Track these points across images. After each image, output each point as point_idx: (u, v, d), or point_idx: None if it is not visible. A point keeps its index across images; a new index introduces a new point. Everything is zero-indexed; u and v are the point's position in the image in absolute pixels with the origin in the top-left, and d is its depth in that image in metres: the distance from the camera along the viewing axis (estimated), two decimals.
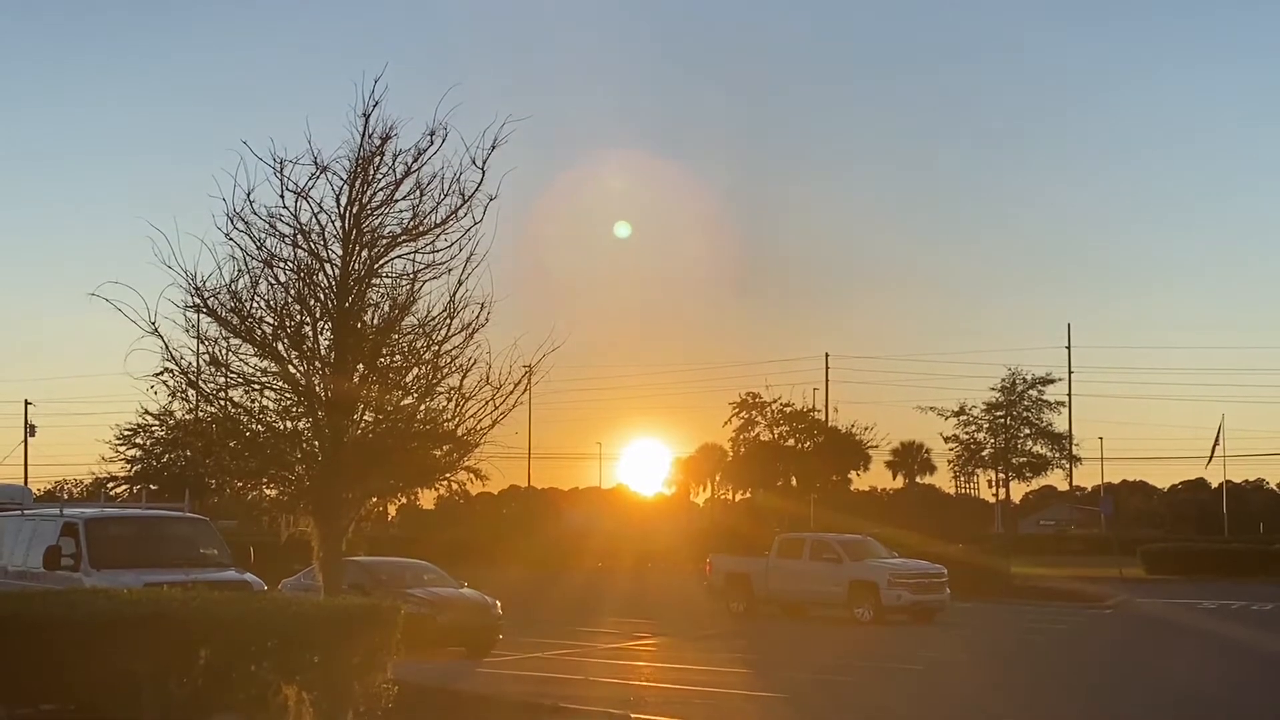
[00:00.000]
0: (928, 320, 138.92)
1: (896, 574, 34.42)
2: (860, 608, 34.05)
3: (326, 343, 15.84)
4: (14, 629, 12.67)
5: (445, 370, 16.06)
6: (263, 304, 15.72)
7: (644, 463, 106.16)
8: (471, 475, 17.16)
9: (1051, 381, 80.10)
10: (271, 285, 15.73)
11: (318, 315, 15.81)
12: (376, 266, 15.87)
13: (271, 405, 16.11)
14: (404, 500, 23.10)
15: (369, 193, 15.73)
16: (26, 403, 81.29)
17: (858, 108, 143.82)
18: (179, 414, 17.15)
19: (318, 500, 16.07)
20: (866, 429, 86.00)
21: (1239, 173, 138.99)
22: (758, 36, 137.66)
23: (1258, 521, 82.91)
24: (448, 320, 15.94)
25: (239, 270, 15.64)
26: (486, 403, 16.05)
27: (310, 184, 15.60)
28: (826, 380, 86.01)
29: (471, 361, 16.04)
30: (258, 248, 15.63)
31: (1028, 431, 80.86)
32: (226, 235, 15.57)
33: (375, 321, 16.01)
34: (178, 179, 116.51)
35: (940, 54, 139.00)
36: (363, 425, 16.19)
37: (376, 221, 15.80)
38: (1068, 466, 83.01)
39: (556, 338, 16.13)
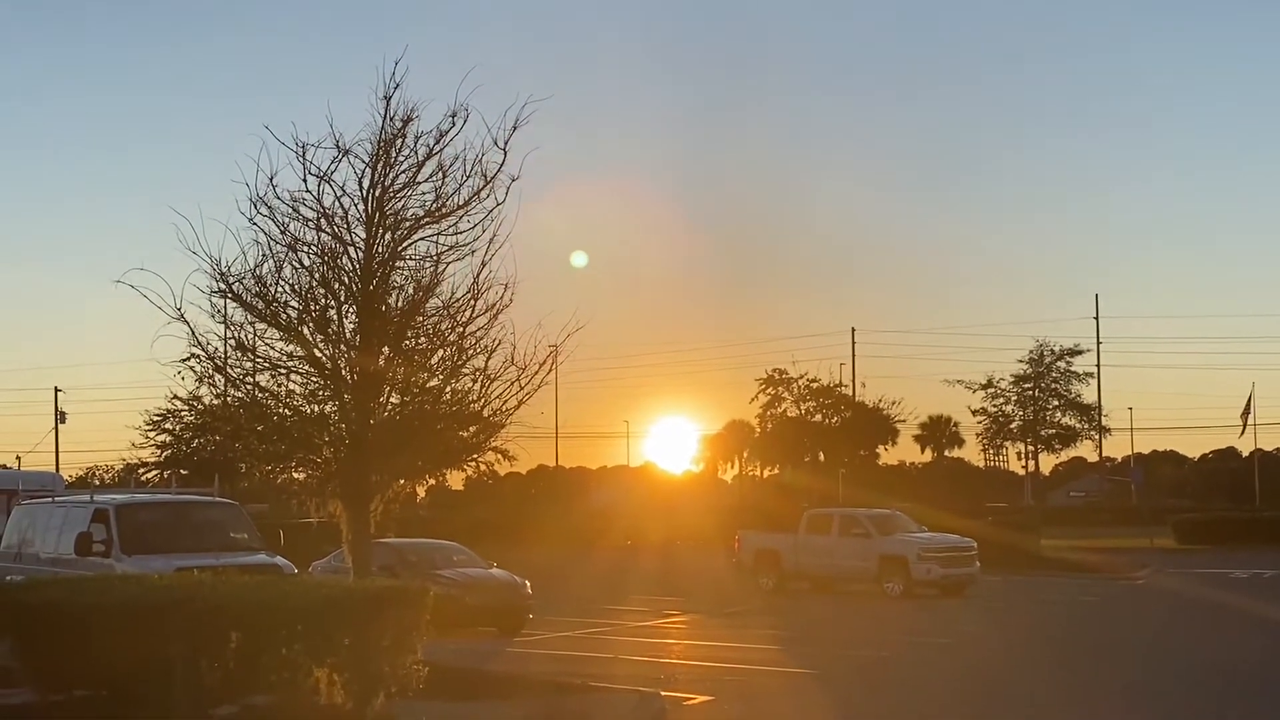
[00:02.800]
0: (954, 293, 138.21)
1: (926, 548, 34.36)
2: (890, 582, 34.00)
3: (351, 326, 15.85)
4: (47, 615, 12.77)
5: (470, 351, 16.03)
6: (287, 288, 15.72)
7: (671, 440, 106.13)
8: (499, 455, 17.18)
9: (1080, 353, 79.97)
10: (296, 269, 15.73)
11: (342, 298, 15.80)
12: (400, 249, 15.85)
13: (298, 389, 16.12)
14: (432, 482, 23.15)
15: (391, 175, 15.69)
16: (56, 390, 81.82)
17: (879, 79, 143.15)
18: (207, 399, 17.17)
19: (346, 483, 16.10)
20: (894, 403, 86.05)
21: (1267, 139, 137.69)
22: (781, 8, 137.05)
23: None
24: (472, 301, 15.90)
25: (263, 255, 15.63)
26: (512, 383, 16.04)
27: (332, 167, 15.58)
28: (853, 355, 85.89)
29: (496, 342, 16.03)
30: (281, 232, 15.63)
31: (1056, 403, 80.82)
32: (250, 220, 15.57)
33: (400, 304, 15.99)
34: (201, 164, 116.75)
35: (964, 24, 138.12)
36: (389, 407, 16.20)
37: (399, 204, 15.77)
38: (1097, 437, 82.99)
39: (581, 317, 16.09)
